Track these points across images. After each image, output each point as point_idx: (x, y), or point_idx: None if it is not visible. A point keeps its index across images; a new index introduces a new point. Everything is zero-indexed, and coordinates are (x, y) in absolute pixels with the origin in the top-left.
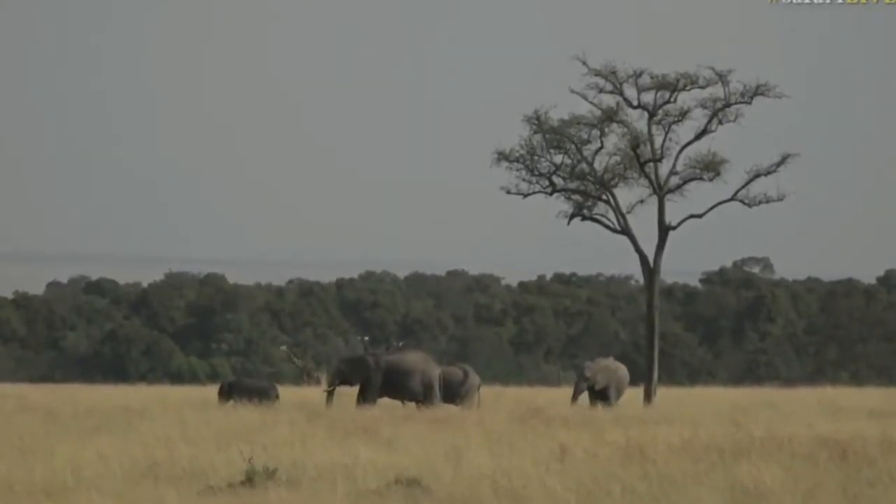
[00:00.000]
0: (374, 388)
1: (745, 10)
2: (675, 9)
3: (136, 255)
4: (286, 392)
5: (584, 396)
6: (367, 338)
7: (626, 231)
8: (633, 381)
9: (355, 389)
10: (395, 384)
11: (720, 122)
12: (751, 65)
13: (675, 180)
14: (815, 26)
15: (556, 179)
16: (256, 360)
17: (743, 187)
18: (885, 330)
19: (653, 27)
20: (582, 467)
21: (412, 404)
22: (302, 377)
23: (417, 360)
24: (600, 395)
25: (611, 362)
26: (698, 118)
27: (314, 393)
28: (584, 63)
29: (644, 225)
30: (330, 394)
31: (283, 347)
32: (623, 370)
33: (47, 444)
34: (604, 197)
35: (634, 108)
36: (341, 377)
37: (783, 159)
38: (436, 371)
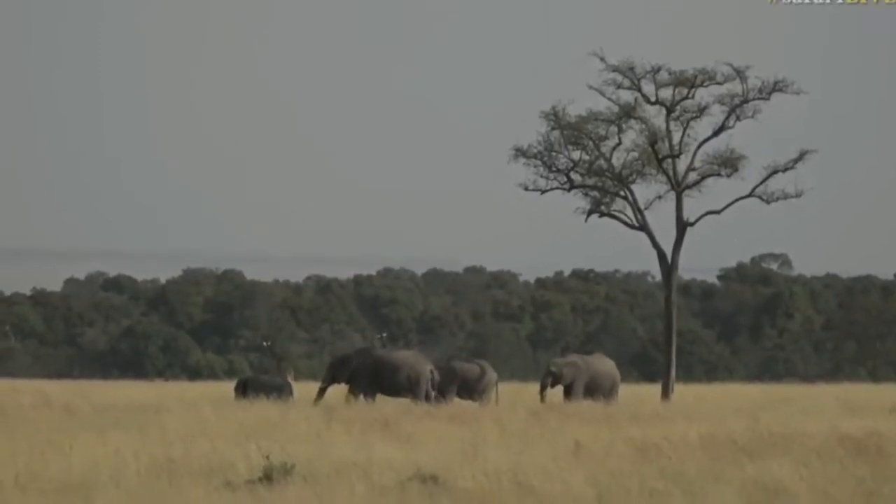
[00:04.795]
0: (359, 384)
1: (750, 11)
2: (689, 5)
3: (154, 251)
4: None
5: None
6: (384, 335)
7: (643, 227)
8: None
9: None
10: (384, 380)
11: (738, 119)
12: (767, 60)
13: (692, 176)
14: (823, 22)
15: (573, 176)
16: (276, 357)
17: (761, 183)
18: None
19: (670, 23)
20: (599, 463)
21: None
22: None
23: (406, 357)
24: (567, 391)
25: (578, 358)
26: (716, 114)
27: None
28: (602, 59)
29: (662, 221)
30: (321, 391)
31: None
32: (602, 365)
33: (65, 441)
34: (621, 193)
35: (652, 104)
36: (332, 375)
37: (801, 155)
38: (426, 367)
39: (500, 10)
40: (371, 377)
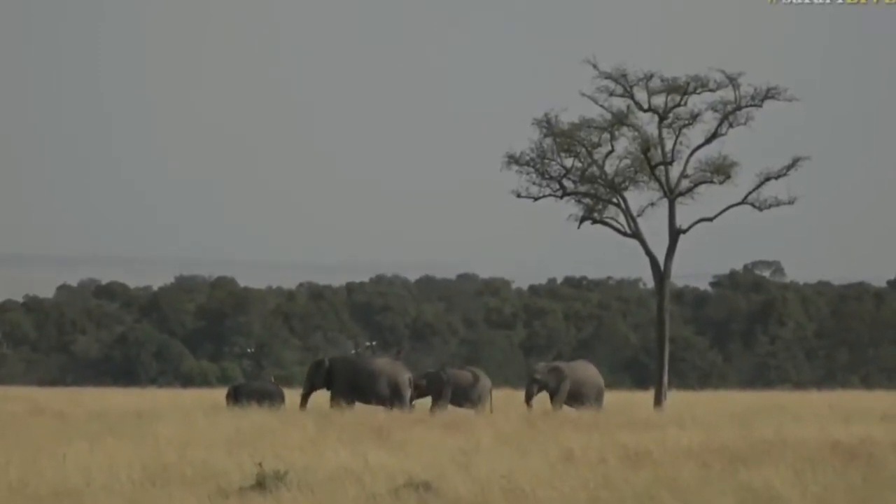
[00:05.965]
0: (338, 390)
1: (750, 12)
2: (682, 11)
3: (147, 258)
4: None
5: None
6: (374, 343)
7: (636, 234)
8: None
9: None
10: (361, 387)
11: (731, 125)
12: (767, 60)
13: (685, 183)
14: (821, 27)
15: (566, 183)
16: (267, 363)
17: (753, 190)
18: (895, 333)
19: (671, 23)
20: (592, 470)
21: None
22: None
23: (384, 364)
24: (552, 398)
25: (561, 364)
26: (709, 121)
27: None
28: (595, 66)
29: (654, 228)
30: (304, 397)
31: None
32: (585, 372)
33: (58, 448)
34: (614, 200)
35: (645, 111)
36: (310, 382)
37: (794, 162)
38: (404, 375)
39: (500, 15)
40: (350, 384)
